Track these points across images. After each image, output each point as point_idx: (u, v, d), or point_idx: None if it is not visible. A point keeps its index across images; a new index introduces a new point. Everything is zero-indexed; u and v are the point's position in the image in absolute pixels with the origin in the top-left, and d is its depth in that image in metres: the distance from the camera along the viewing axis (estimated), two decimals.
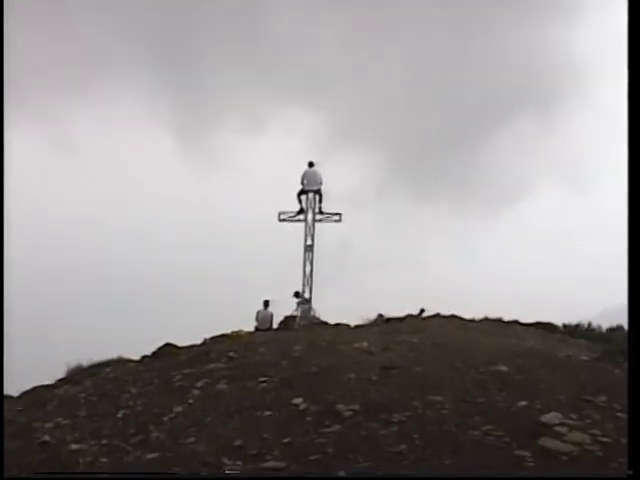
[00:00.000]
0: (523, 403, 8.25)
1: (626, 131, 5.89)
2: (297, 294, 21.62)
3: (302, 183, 22.22)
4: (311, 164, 22.53)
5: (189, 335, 16.33)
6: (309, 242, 21.90)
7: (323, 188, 22.35)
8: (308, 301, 21.75)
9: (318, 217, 22.16)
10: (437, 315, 20.29)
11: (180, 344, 15.03)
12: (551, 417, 7.55)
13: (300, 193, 22.29)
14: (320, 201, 22.23)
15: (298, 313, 21.63)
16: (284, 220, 22.28)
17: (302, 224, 22.19)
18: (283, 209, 22.42)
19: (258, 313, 21.39)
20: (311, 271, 21.83)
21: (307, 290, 21.79)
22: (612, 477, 6.29)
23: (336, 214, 22.32)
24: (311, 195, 22.33)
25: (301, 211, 22.07)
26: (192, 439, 8.27)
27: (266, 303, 21.50)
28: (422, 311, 21.25)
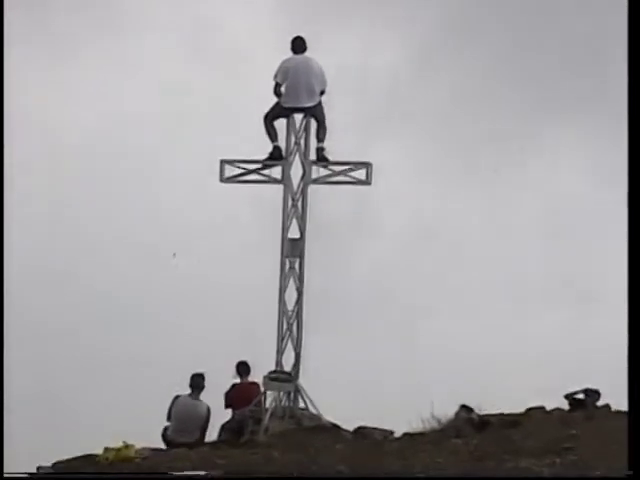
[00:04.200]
0: None
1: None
2: (242, 368, 13.81)
3: (276, 91, 13.30)
4: (298, 44, 13.66)
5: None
6: (294, 234, 13.48)
7: (326, 103, 13.36)
8: (291, 377, 13.05)
9: (316, 172, 13.34)
10: (605, 408, 12.78)
11: None
12: None
13: (272, 115, 13.46)
14: (321, 135, 13.27)
15: (267, 403, 13.24)
16: (233, 179, 13.50)
17: (278, 188, 13.39)
18: (230, 154, 13.50)
19: (175, 403, 13.32)
20: (298, 303, 13.05)
21: (289, 350, 13.30)
22: (612, 477, 7.25)
23: (359, 164, 13.34)
24: (299, 119, 13.37)
25: (275, 156, 13.32)
26: None
27: (196, 383, 13.35)
28: (585, 399, 12.82)
